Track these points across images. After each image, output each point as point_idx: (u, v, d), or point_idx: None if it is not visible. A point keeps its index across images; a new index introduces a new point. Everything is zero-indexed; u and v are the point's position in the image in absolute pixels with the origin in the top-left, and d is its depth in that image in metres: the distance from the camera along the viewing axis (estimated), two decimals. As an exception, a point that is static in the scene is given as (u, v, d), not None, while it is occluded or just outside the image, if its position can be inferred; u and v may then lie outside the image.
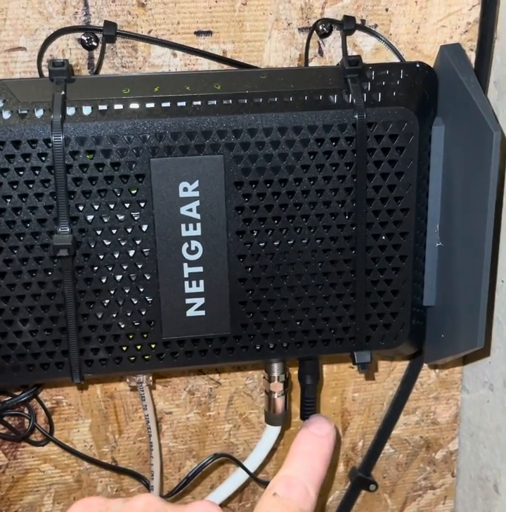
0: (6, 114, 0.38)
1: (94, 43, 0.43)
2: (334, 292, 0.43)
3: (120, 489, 0.54)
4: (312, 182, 0.41)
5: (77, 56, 0.44)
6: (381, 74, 0.41)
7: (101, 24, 0.43)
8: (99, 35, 0.43)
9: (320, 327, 0.44)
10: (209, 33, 0.45)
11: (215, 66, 0.46)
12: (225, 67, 0.46)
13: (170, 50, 0.45)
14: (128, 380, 0.46)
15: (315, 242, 0.42)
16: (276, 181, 0.40)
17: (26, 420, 0.50)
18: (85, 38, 0.43)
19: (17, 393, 0.49)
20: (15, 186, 0.39)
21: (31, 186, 0.39)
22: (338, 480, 0.58)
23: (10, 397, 0.48)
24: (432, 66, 0.44)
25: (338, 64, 0.43)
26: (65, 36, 0.43)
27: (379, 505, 0.59)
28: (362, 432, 0.57)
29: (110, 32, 0.43)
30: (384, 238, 0.42)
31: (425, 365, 0.55)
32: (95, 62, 0.44)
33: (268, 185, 0.41)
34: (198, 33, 0.45)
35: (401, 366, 0.55)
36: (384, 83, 0.41)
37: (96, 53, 0.44)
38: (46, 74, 0.42)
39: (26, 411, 0.50)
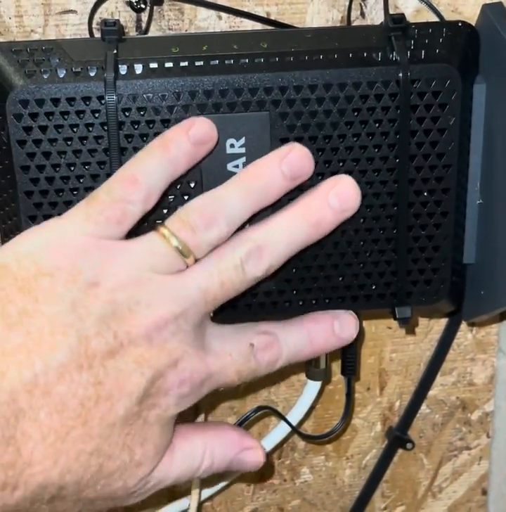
0: (61, 73, 0.40)
1: (142, 6, 0.45)
2: (377, 248, 0.44)
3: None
4: (356, 138, 0.42)
5: (126, 19, 0.45)
6: (424, 33, 0.42)
7: (149, -13, 0.45)
8: (147, -2, 0.45)
9: (362, 282, 0.45)
10: (253, -5, 0.46)
11: (259, 28, 0.47)
12: (270, 29, 0.47)
13: (215, 13, 0.46)
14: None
15: (358, 199, 0.43)
16: (320, 138, 0.41)
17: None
18: (134, 0, 0.45)
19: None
20: (69, 142, 0.40)
21: (84, 142, 0.40)
22: (375, 439, 0.59)
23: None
24: (473, 26, 0.45)
25: (381, 23, 0.43)
26: (114, -2, 0.45)
27: (415, 464, 0.61)
28: (399, 392, 0.58)
29: (158, -6, 0.44)
30: (426, 194, 0.43)
31: (462, 326, 0.56)
32: (143, 24, 0.45)
33: (313, 141, 0.41)
34: (243, -5, 0.46)
35: (438, 327, 0.56)
36: (426, 41, 0.42)
37: (144, 16, 0.45)
38: (97, 35, 0.43)
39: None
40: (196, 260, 0.36)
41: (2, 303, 0.32)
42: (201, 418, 0.52)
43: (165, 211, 0.42)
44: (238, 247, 0.36)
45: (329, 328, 0.41)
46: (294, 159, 0.37)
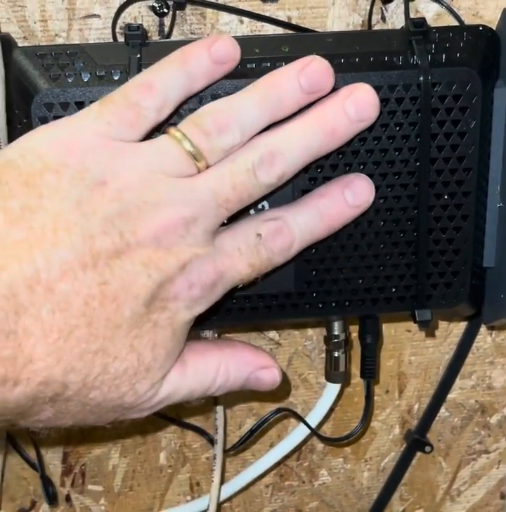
0: (85, 76, 0.40)
1: (165, 10, 0.45)
2: (397, 251, 0.44)
3: (183, 445, 0.57)
4: (376, 142, 0.42)
5: (149, 23, 0.46)
6: (445, 37, 0.42)
7: (172, -9, 0.45)
8: (170, 2, 0.45)
9: (381, 285, 0.45)
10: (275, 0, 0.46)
11: (280, 32, 0.47)
12: (291, 33, 0.47)
13: (237, 17, 0.46)
14: (193, 335, 0.48)
15: (378, 202, 0.43)
16: (341, 141, 0.42)
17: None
18: (156, 5, 0.45)
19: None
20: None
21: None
22: (393, 441, 0.59)
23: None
24: (494, 30, 0.45)
25: (402, 27, 0.44)
26: (138, 3, 0.45)
27: (434, 468, 0.61)
28: (418, 395, 0.58)
29: (181, -1, 0.45)
30: (446, 197, 0.43)
31: (481, 330, 0.56)
32: (166, 29, 0.46)
33: (334, 145, 0.42)
34: (265, 0, 0.46)
35: (458, 331, 0.56)
36: (447, 45, 0.42)
37: (167, 20, 0.46)
38: (120, 39, 0.44)
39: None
40: (208, 167, 0.35)
41: (4, 198, 0.31)
42: (220, 410, 0.52)
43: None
44: (250, 152, 0.35)
45: (340, 200, 0.39)
46: (313, 72, 0.35)
